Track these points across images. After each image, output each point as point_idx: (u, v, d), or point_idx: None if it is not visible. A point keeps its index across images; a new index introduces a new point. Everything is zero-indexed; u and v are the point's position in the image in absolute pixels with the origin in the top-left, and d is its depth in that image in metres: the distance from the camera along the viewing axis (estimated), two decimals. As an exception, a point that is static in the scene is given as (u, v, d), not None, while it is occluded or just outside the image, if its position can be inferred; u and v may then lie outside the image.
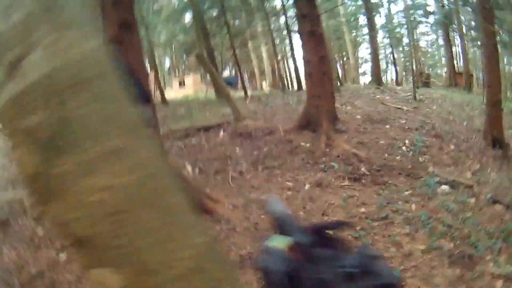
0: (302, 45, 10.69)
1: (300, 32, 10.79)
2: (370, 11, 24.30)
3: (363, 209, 5.58)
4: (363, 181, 6.98)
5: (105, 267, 1.04)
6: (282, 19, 26.78)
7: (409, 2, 32.36)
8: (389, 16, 35.37)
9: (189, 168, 7.67)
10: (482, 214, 5.63)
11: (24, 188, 3.91)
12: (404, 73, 37.50)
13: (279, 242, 2.33)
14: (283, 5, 22.12)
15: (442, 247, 4.53)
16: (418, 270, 4.10)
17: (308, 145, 9.08)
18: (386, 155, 8.62)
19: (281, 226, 2.68)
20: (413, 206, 5.72)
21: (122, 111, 1.07)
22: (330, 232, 2.33)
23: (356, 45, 37.38)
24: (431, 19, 33.56)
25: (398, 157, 8.48)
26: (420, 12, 34.07)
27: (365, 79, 34.47)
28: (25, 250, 4.61)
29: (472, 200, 6.09)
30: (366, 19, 26.97)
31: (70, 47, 0.99)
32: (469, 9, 24.16)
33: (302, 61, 10.83)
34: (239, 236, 4.87)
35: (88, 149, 0.98)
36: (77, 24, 1.03)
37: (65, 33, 0.99)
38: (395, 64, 35.07)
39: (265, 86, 33.16)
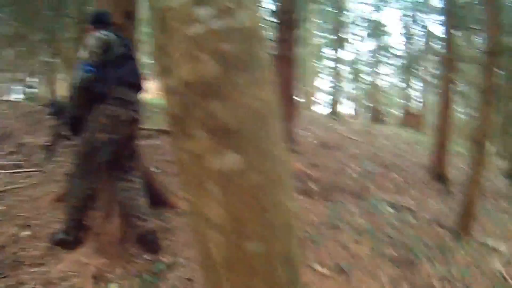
0: (275, 67, 11.03)
1: (275, 55, 11.19)
2: (338, 45, 25.00)
3: (315, 218, 5.94)
4: (315, 197, 7.32)
5: (233, 152, 1.53)
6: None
7: (378, 43, 33.46)
8: (356, 53, 36.41)
9: (152, 168, 7.89)
10: (422, 232, 6.16)
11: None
12: (359, 107, 38.36)
13: None
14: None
15: (386, 253, 5.00)
16: (365, 268, 4.52)
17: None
18: (336, 177, 9.04)
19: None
20: (360, 220, 6.14)
21: (270, 60, 1.67)
22: None
23: (315, 74, 38.00)
24: (396, 61, 34.70)
25: (348, 181, 8.91)
26: (386, 54, 35.21)
27: (319, 109, 35.06)
28: None
29: (414, 220, 6.64)
30: (333, 51, 27.71)
31: (259, 17, 1.65)
32: (433, 57, 25.31)
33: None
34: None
35: (263, 74, 1.58)
36: (256, 7, 1.64)
37: (257, 9, 1.64)
38: (353, 99, 36.03)
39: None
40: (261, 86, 1.56)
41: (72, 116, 4.04)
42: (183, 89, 1.55)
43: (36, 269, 3.80)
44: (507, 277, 5.04)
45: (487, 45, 6.53)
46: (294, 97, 11.16)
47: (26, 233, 4.40)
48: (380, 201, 7.35)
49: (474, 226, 6.48)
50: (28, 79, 19.37)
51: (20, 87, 19.16)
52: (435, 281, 4.51)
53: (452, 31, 11.71)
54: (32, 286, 3.54)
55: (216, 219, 1.61)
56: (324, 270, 4.34)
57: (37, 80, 19.89)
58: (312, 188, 7.77)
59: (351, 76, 36.86)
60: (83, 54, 3.81)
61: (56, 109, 4.25)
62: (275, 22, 11.15)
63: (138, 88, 4.18)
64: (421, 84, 29.18)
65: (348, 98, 40.08)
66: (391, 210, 7.01)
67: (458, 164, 12.49)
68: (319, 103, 39.48)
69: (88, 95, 3.81)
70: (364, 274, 4.38)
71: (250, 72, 1.52)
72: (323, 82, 41.24)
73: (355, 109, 36.22)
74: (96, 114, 3.88)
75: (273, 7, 13.05)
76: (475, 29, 16.45)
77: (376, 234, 5.56)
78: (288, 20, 10.47)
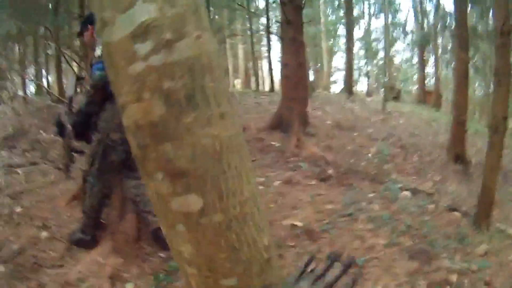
0: (282, 49, 10.94)
1: (282, 37, 11.03)
2: (350, 22, 24.60)
3: (329, 206, 5.78)
4: (330, 182, 7.21)
5: (191, 194, 1.56)
6: (262, 21, 26.99)
7: (390, 19, 33.02)
8: (368, 30, 36.00)
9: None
10: (440, 219, 5.92)
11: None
12: (375, 85, 38.03)
13: None
14: (267, 7, 22.27)
15: (402, 243, 4.79)
16: (380, 261, 4.34)
17: (278, 144, 9.33)
18: (352, 160, 8.91)
19: None
20: (376, 207, 5.95)
21: (227, 88, 1.66)
22: None
23: (331, 53, 37.69)
24: (409, 38, 34.30)
25: (363, 163, 8.76)
26: (399, 30, 34.77)
27: (336, 88, 34.83)
28: (4, 228, 4.71)
29: (432, 206, 6.37)
30: (345, 30, 27.34)
31: (207, 43, 1.53)
32: (447, 33, 24.84)
33: (279, 64, 11.08)
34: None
35: (211, 109, 1.52)
36: (207, 29, 1.57)
37: (204, 33, 1.53)
38: (368, 76, 35.68)
39: (238, 84, 33.20)
40: (211, 122, 1.54)
41: (76, 122, 4.11)
42: (135, 131, 1.58)
43: (55, 271, 3.86)
44: (527, 268, 4.81)
45: (496, 25, 6.25)
46: (304, 78, 10.98)
47: (45, 234, 4.45)
48: (397, 185, 7.14)
49: (494, 213, 6.24)
50: (33, 74, 19.52)
51: (31, 82, 19.28)
52: (453, 276, 4.31)
53: (465, 7, 11.34)
54: (51, 288, 3.55)
55: (188, 255, 1.73)
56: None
57: (46, 74, 20.03)
58: (328, 173, 7.62)
59: (365, 53, 36.45)
60: (99, 53, 3.75)
61: (61, 127, 4.23)
62: (280, 3, 10.94)
63: None
64: (436, 61, 28.56)
65: (363, 76, 39.74)
66: (409, 195, 6.81)
67: (477, 144, 12.17)
68: (336, 82, 39.26)
69: (103, 94, 3.78)
70: (379, 268, 4.22)
71: (197, 109, 1.50)
72: (339, 60, 40.97)
73: (370, 87, 35.79)
74: (111, 114, 3.84)
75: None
76: (488, 5, 16.07)
77: (393, 223, 5.35)
78: (293, 0, 10.17)
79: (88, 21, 4.24)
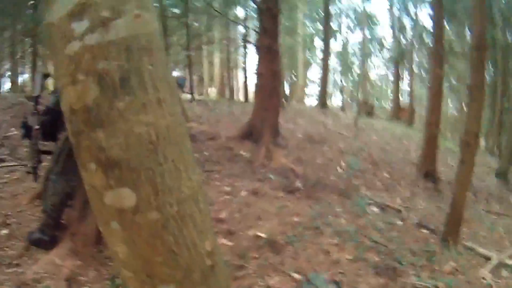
0: (258, 58, 10.83)
1: (258, 45, 10.92)
2: (327, 35, 24.71)
3: (295, 219, 5.67)
4: (298, 194, 7.09)
5: (124, 187, 1.41)
6: (240, 29, 26.99)
7: (367, 34, 33.35)
8: (345, 44, 36.29)
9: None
10: (408, 235, 5.91)
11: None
12: (349, 100, 38.34)
13: None
14: (245, 16, 22.23)
15: (368, 259, 4.70)
16: (345, 276, 4.22)
17: (248, 154, 9.20)
18: (321, 173, 8.84)
19: None
20: (343, 221, 5.88)
21: (167, 74, 1.51)
22: None
23: (307, 66, 37.87)
24: (385, 53, 34.71)
25: (332, 177, 8.72)
26: (376, 45, 35.16)
27: (310, 101, 34.97)
28: None
29: (400, 222, 6.39)
30: (322, 43, 27.47)
31: (147, 23, 1.43)
32: (423, 50, 25.17)
33: (254, 73, 10.96)
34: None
35: (147, 94, 1.39)
36: (150, 8, 1.46)
37: (145, 13, 1.42)
38: (342, 91, 35.91)
39: (212, 92, 33.09)
40: (146, 108, 1.40)
41: (45, 121, 3.97)
42: (70, 116, 1.45)
43: (12, 269, 3.74)
44: (494, 287, 4.74)
45: (473, 40, 6.26)
46: (278, 88, 10.88)
47: (5, 231, 4.35)
48: (366, 201, 7.09)
49: (463, 230, 6.22)
50: (8, 70, 19.34)
51: (5, 79, 19.05)
52: None
53: (441, 24, 11.44)
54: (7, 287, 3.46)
55: (123, 257, 1.56)
56: (302, 278, 4.07)
57: (21, 71, 19.87)
58: (296, 185, 7.52)
59: (340, 68, 36.76)
60: None
61: (27, 129, 4.01)
62: (257, 11, 10.86)
63: None
64: (411, 77, 28.94)
65: (338, 90, 40.02)
66: (377, 211, 6.78)
67: (448, 162, 12.26)
68: (310, 95, 39.42)
69: None
70: (344, 284, 4.10)
71: (131, 93, 1.37)
72: (314, 73, 41.19)
73: (344, 102, 36.04)
74: None
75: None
76: (465, 22, 16.30)
77: (360, 238, 5.28)
78: (270, 8, 10.07)
79: None
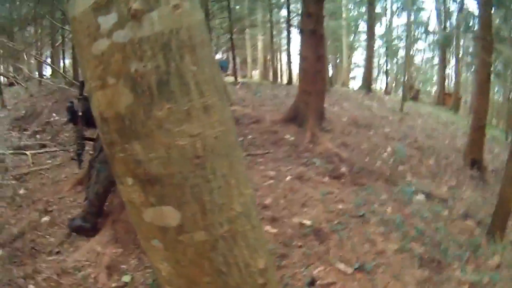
0: (302, 42, 10.77)
1: (302, 29, 10.85)
2: (372, 19, 24.34)
3: (340, 206, 5.61)
4: (343, 180, 7.05)
5: (166, 205, 1.25)
6: (283, 12, 26.82)
7: (412, 18, 32.69)
8: (389, 28, 35.62)
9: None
10: (453, 226, 5.78)
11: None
12: (394, 84, 37.73)
13: None
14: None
15: (413, 250, 4.63)
16: (389, 267, 4.17)
17: (292, 138, 9.17)
18: (367, 159, 8.72)
19: None
20: (389, 209, 5.79)
21: (215, 75, 1.29)
22: None
23: (351, 49, 37.41)
24: (430, 38, 33.96)
25: (378, 163, 8.58)
26: (421, 29, 34.45)
27: (355, 84, 34.57)
28: (6, 210, 4.72)
29: (446, 212, 6.25)
30: (366, 26, 27.09)
31: (188, 14, 1.21)
32: (469, 35, 24.46)
33: (297, 56, 10.90)
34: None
35: (191, 100, 1.21)
36: None
37: (184, 2, 1.21)
38: (387, 74, 35.35)
39: (256, 75, 33.06)
40: (191, 116, 1.22)
41: (88, 108, 3.95)
42: (101, 124, 1.29)
43: (53, 257, 3.80)
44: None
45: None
46: (323, 72, 10.78)
47: (46, 219, 4.41)
48: (411, 188, 6.98)
49: (510, 224, 6.07)
50: (48, 56, 19.67)
51: (46, 65, 19.39)
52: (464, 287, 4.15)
53: (489, 9, 11.06)
54: (47, 275, 3.49)
55: (165, 274, 1.45)
56: (347, 269, 4.03)
57: (62, 57, 20.24)
58: (341, 170, 7.46)
59: (385, 51, 36.13)
60: None
61: (73, 113, 4.03)
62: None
63: None
64: (457, 63, 28.23)
65: (383, 74, 39.42)
66: (423, 199, 6.64)
67: (494, 150, 11.94)
68: (355, 78, 39.03)
69: None
70: (389, 275, 4.05)
71: (172, 99, 1.19)
72: (359, 57, 40.68)
73: (389, 85, 35.48)
74: None
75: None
76: (510, 7, 15.77)
77: (405, 228, 5.19)
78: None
79: None
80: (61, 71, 17.40)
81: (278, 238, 4.44)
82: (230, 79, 20.50)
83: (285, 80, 26.47)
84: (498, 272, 4.61)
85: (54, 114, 8.06)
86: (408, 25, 25.17)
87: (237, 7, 25.67)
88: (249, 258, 1.43)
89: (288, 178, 6.63)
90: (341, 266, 4.05)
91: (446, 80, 31.26)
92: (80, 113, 3.94)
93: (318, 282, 3.77)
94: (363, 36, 35.18)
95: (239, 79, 21.58)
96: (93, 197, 4.06)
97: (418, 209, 5.96)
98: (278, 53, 37.02)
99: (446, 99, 26.84)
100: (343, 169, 7.55)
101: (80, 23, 1.19)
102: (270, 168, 7.11)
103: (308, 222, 4.86)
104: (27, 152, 6.62)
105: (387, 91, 30.36)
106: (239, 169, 1.38)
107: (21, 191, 5.14)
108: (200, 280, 1.40)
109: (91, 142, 4.37)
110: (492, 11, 11.21)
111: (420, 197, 6.72)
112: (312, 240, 4.53)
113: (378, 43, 35.85)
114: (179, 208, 1.27)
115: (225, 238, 1.34)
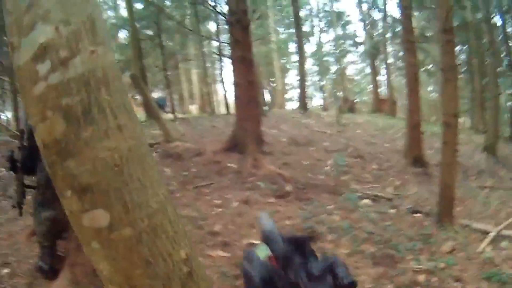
0: (233, 70, 10.88)
1: (232, 57, 10.97)
2: (300, 39, 24.81)
3: (288, 222, 5.71)
4: (288, 198, 7.14)
5: (98, 209, 1.53)
6: (214, 43, 27.10)
7: (340, 33, 33.62)
8: (319, 45, 36.46)
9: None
10: (402, 222, 5.95)
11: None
12: (331, 99, 38.45)
13: (262, 252, 2.95)
14: (217, 30, 22.34)
15: (365, 251, 4.73)
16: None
17: (235, 166, 9.20)
18: (310, 174, 8.87)
19: (266, 238, 3.40)
20: (337, 218, 5.90)
21: (125, 101, 1.63)
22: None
23: (284, 71, 38.00)
24: (360, 48, 34.91)
25: (321, 176, 8.73)
26: (350, 42, 35.38)
27: (292, 105, 35.03)
28: None
29: (393, 210, 6.45)
30: (296, 47, 27.60)
31: (102, 57, 1.55)
32: (397, 40, 25.36)
33: (232, 85, 10.99)
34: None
35: (108, 122, 1.52)
36: (104, 43, 1.59)
37: (99, 47, 1.55)
38: (322, 91, 36.05)
39: (194, 109, 33.06)
40: (108, 134, 1.53)
41: (23, 156, 4.00)
42: (43, 149, 1.58)
43: None
44: (495, 260, 4.73)
45: (439, 23, 6.34)
46: (256, 97, 10.90)
47: (6, 271, 4.41)
48: (356, 194, 7.12)
49: (457, 209, 6.27)
50: None
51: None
52: (420, 276, 4.24)
53: (409, 13, 11.59)
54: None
55: (106, 273, 1.68)
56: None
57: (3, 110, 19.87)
58: (286, 189, 7.54)
59: (317, 68, 36.93)
60: None
61: (13, 162, 4.03)
62: (228, 24, 10.91)
63: None
64: (388, 69, 29.15)
65: (318, 91, 40.19)
66: (369, 203, 6.80)
67: (434, 145, 12.28)
68: (291, 100, 39.53)
69: None
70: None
71: (94, 123, 1.50)
72: (293, 78, 41.34)
73: (325, 101, 36.14)
74: None
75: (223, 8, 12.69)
76: (431, 8, 16.45)
77: (354, 232, 5.30)
78: (239, 20, 10.11)
79: None
80: (5, 124, 17.02)
81: (231, 261, 4.48)
82: (169, 116, 20.43)
83: (223, 110, 26.60)
84: (454, 255, 4.77)
85: (2, 168, 7.83)
86: (336, 41, 25.87)
87: (170, 43, 25.72)
88: (171, 249, 1.70)
89: (235, 204, 6.66)
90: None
91: (380, 87, 32.11)
92: (19, 162, 3.97)
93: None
94: (295, 57, 35.86)
95: (179, 115, 21.52)
96: (41, 238, 4.06)
97: (365, 213, 6.10)
98: (214, 85, 37.24)
99: (382, 105, 27.52)
100: (288, 187, 7.64)
101: (23, 71, 1.51)
102: (216, 197, 7.12)
103: (257, 242, 4.84)
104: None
105: (325, 107, 30.86)
106: (151, 174, 1.68)
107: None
108: (133, 273, 1.64)
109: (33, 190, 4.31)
110: (416, 14, 11.69)
111: (367, 201, 6.86)
112: (263, 258, 4.52)
113: (310, 61, 36.69)
114: (108, 209, 1.54)
115: (147, 231, 1.61)
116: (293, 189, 7.56)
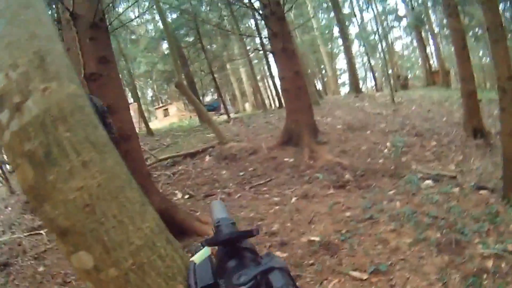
0: (276, 62, 10.85)
1: (273, 50, 10.94)
2: (342, 22, 24.53)
3: (348, 213, 5.58)
4: (348, 187, 7.04)
5: (80, 251, 1.44)
6: (257, 40, 27.06)
7: (380, 9, 32.96)
8: (362, 25, 35.88)
9: (179, 194, 7.78)
10: (467, 201, 5.65)
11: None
12: (383, 78, 37.76)
13: (200, 255, 2.73)
14: (256, 26, 22.34)
15: (429, 238, 4.52)
16: (406, 262, 4.08)
17: (292, 160, 9.15)
18: (368, 160, 8.71)
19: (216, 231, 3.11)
20: (398, 204, 5.72)
21: (92, 132, 1.50)
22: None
23: (332, 56, 37.58)
24: (404, 22, 34.16)
25: (380, 160, 8.55)
26: (392, 17, 34.68)
27: (345, 89, 34.64)
28: (28, 287, 4.85)
29: (456, 189, 6.14)
30: (339, 30, 27.28)
31: (55, 92, 1.44)
32: (439, 9, 24.61)
33: (278, 78, 10.95)
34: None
35: (70, 161, 1.40)
36: (58, 75, 1.48)
37: (52, 83, 1.44)
38: (372, 71, 35.46)
39: (247, 107, 33.20)
40: (73, 174, 1.43)
41: None
42: (26, 195, 1.56)
43: None
44: None
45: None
46: (304, 87, 10.80)
47: None
48: (417, 176, 6.89)
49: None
50: None
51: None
52: (489, 262, 4.00)
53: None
54: None
55: None
56: (362, 275, 3.95)
57: None
58: (345, 178, 7.44)
59: (364, 49, 36.34)
60: None
61: None
62: (263, 18, 10.89)
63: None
64: (435, 39, 28.33)
65: (369, 71, 39.58)
66: (431, 183, 6.57)
67: (494, 113, 11.80)
68: (344, 84, 39.15)
69: None
70: (406, 270, 3.95)
71: (56, 164, 1.41)
72: (342, 62, 40.89)
73: (377, 81, 35.54)
74: None
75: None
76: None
77: (416, 218, 5.09)
78: (274, 12, 10.08)
79: None
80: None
81: (289, 261, 4.39)
82: (223, 117, 20.61)
83: (276, 105, 26.55)
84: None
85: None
86: (378, 17, 25.37)
87: (213, 46, 25.94)
88: (165, 285, 1.56)
89: (293, 199, 6.62)
90: (356, 274, 3.97)
91: (430, 59, 31.24)
92: None
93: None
94: (340, 41, 35.47)
95: (232, 115, 21.68)
96: None
97: (427, 195, 5.85)
98: (264, 80, 37.28)
99: (435, 77, 26.81)
100: (347, 176, 7.53)
101: None
102: (274, 194, 7.10)
103: (316, 238, 4.80)
104: (43, 232, 6.88)
105: (377, 88, 30.35)
106: (131, 208, 1.55)
107: (40, 269, 5.27)
108: None
109: None
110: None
111: (428, 182, 6.64)
112: (323, 254, 4.47)
113: (356, 43, 36.15)
114: (89, 251, 1.45)
115: (133, 271, 1.50)
116: (352, 177, 7.45)
